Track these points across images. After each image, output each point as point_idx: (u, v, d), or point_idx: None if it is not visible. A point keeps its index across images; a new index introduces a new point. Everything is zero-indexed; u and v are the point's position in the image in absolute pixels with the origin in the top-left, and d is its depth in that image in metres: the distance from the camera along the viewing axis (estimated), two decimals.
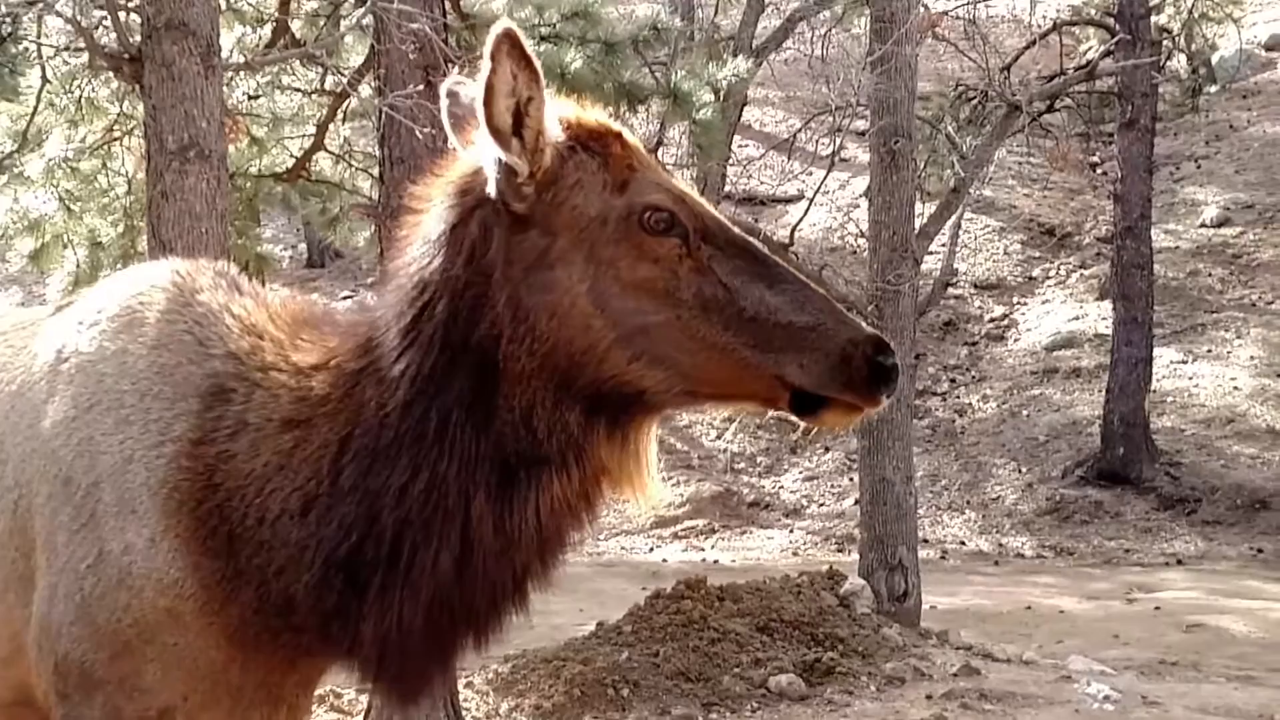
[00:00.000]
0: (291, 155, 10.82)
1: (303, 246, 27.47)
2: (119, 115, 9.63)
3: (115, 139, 9.91)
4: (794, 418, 2.78)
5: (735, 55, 14.83)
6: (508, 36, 2.67)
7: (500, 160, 2.77)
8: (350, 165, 11.07)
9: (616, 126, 2.88)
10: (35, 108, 9.10)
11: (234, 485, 2.87)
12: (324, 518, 2.81)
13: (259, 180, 10.83)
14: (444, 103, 3.05)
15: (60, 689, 2.94)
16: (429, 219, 2.89)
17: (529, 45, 2.66)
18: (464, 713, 8.93)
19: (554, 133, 2.80)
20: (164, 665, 2.90)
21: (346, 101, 10.16)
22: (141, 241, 9.62)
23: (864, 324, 2.78)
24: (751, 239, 2.81)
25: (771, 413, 2.83)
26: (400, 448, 2.77)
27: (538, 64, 2.68)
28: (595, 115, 2.90)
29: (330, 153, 10.74)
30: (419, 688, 2.94)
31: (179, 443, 2.92)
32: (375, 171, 9.13)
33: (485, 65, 2.68)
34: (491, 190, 2.80)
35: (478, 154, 2.84)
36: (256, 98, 10.70)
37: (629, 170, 2.82)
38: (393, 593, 2.78)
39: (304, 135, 10.76)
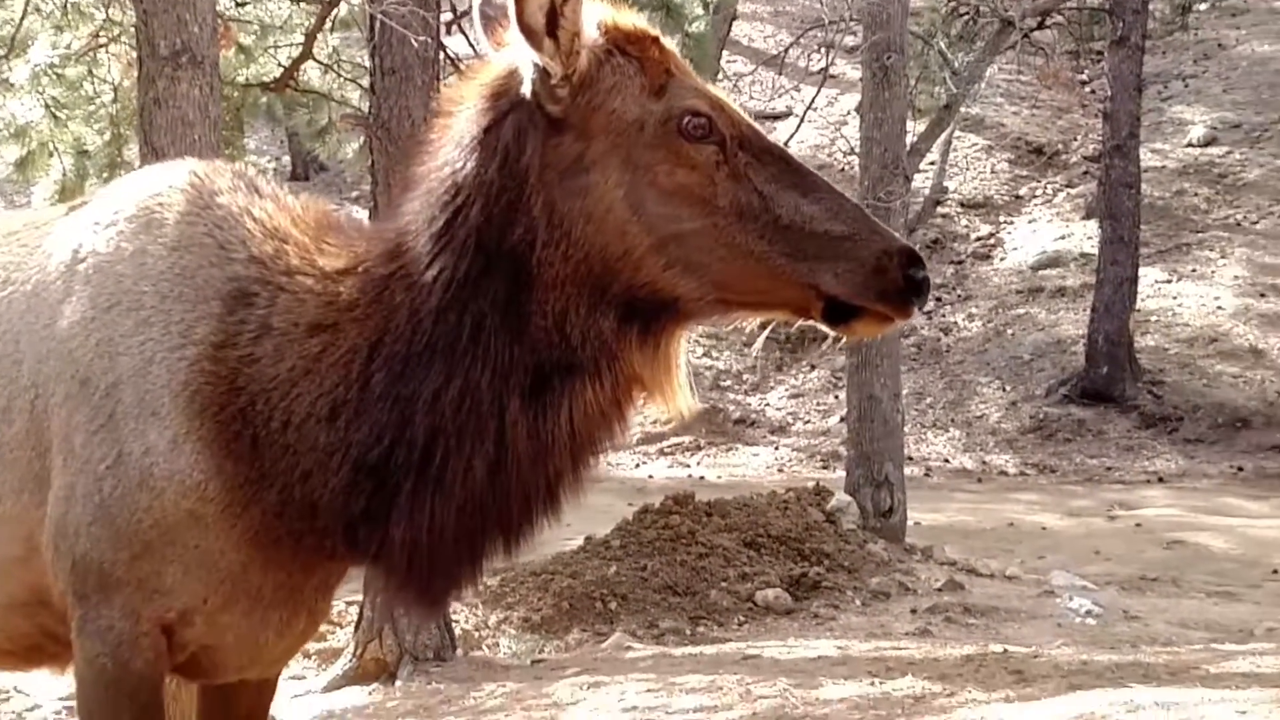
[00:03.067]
0: (279, 64, 10.67)
1: (286, 159, 27.18)
2: (105, 21, 9.47)
3: (101, 45, 9.74)
4: (825, 327, 2.77)
5: None
6: None
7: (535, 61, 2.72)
8: (339, 75, 10.91)
9: (654, 30, 2.83)
10: (24, 12, 8.93)
11: (258, 389, 2.85)
12: (353, 423, 2.80)
13: (245, 90, 10.69)
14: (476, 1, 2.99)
15: (78, 589, 2.92)
16: (460, 121, 2.84)
17: None
18: (453, 625, 8.99)
19: (591, 35, 2.75)
20: (184, 567, 2.89)
21: (336, 9, 10.00)
22: (128, 150, 9.52)
23: (897, 235, 2.77)
24: (786, 149, 2.78)
25: (800, 322, 2.82)
26: (433, 353, 2.75)
27: None
28: (632, 19, 2.85)
29: (319, 62, 10.58)
30: (446, 591, 2.94)
31: (201, 345, 2.88)
32: (365, 82, 9.01)
33: None
34: (526, 92, 2.76)
35: (512, 56, 2.79)
36: (244, 4, 10.55)
37: (666, 75, 2.78)
38: (424, 498, 2.77)
39: (292, 44, 10.60)
